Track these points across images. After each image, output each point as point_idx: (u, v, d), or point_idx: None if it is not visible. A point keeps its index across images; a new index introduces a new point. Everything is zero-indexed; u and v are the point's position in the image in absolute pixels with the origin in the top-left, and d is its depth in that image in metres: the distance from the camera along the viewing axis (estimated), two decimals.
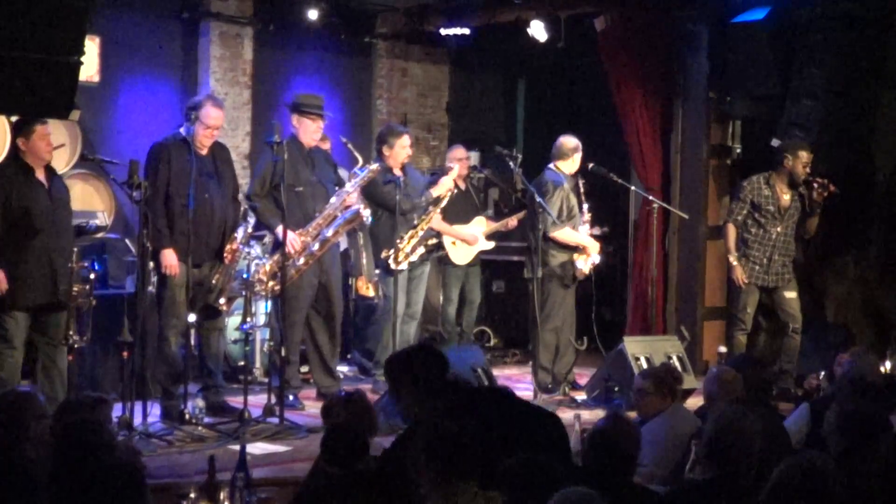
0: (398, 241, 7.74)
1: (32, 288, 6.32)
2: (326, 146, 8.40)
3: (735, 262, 8.08)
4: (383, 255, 7.89)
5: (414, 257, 7.86)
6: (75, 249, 6.25)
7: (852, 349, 6.33)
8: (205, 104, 6.91)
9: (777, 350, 8.32)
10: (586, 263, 7.93)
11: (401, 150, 8.00)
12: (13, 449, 4.11)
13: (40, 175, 6.43)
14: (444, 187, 8.09)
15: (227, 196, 7.00)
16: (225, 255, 6.93)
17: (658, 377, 5.59)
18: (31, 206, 6.32)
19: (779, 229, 8.06)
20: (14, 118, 6.63)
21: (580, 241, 7.91)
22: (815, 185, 7.96)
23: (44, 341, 6.46)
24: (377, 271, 8.19)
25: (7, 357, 6.33)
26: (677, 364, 7.54)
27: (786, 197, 8.06)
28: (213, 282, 6.92)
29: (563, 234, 7.82)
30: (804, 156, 7.97)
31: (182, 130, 6.93)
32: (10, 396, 4.44)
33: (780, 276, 8.09)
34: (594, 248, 7.95)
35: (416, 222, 7.95)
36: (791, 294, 8.13)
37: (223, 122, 7.09)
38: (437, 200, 8.13)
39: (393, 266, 7.75)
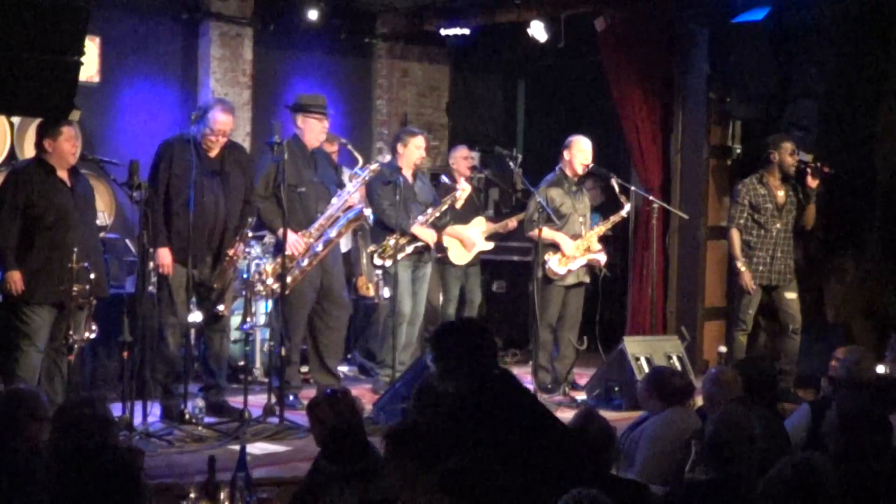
0: (388, 237, 7.79)
1: (54, 285, 6.37)
2: (334, 149, 8.44)
3: (744, 269, 8.04)
4: (370, 249, 7.93)
5: (400, 255, 7.87)
6: (75, 249, 6.26)
7: (847, 348, 6.31)
8: (213, 108, 6.88)
9: (777, 350, 8.32)
10: (559, 263, 7.94)
11: (415, 149, 8.04)
12: (10, 447, 4.11)
13: (63, 175, 6.50)
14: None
15: (233, 198, 6.96)
16: (224, 258, 6.92)
17: (655, 379, 5.59)
18: (53, 205, 6.39)
19: (778, 226, 8.05)
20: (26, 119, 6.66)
21: (555, 240, 7.94)
22: (809, 169, 7.96)
23: (50, 346, 6.49)
24: (378, 272, 8.19)
25: (28, 354, 6.36)
26: (677, 364, 7.55)
27: (780, 193, 8.06)
28: (214, 285, 6.92)
29: (534, 234, 7.92)
30: (788, 146, 7.97)
31: (192, 129, 6.92)
32: (10, 394, 4.45)
33: (782, 274, 8.08)
34: (568, 247, 7.96)
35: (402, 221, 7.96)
36: (791, 295, 8.12)
37: (231, 126, 7.02)
38: (438, 204, 8.15)
39: (379, 262, 7.81)
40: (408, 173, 8.04)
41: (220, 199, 6.88)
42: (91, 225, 6.68)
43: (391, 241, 7.80)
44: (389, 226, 7.83)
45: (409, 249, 7.92)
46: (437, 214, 8.19)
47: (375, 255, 7.92)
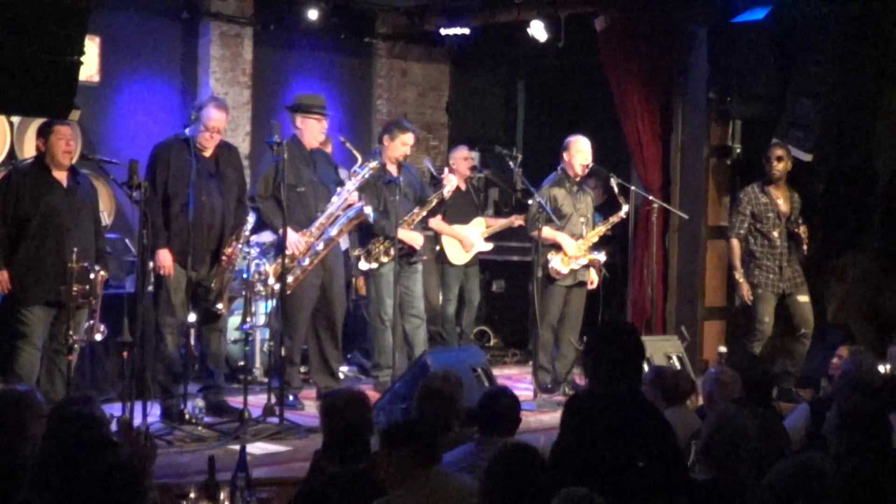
0: (372, 243, 7.79)
1: (47, 285, 6.40)
2: (328, 148, 8.43)
3: (741, 280, 8.02)
4: (355, 252, 7.93)
5: (386, 258, 7.85)
6: (75, 249, 6.26)
7: (850, 347, 6.31)
8: (207, 105, 6.93)
9: (780, 351, 8.30)
10: (562, 263, 7.95)
11: (401, 145, 7.98)
12: (12, 449, 4.11)
13: (59, 175, 6.51)
14: (411, 241, 8.00)
15: (228, 198, 6.98)
16: (222, 258, 6.93)
17: (659, 378, 5.59)
18: (42, 206, 6.40)
19: (776, 233, 8.03)
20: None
21: (556, 239, 7.95)
22: (796, 230, 8.00)
23: (50, 345, 6.51)
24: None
25: (25, 353, 6.40)
26: (677, 364, 7.54)
27: (781, 201, 8.05)
28: (212, 285, 6.92)
29: (536, 234, 7.92)
30: (774, 151, 7.99)
31: (187, 131, 6.94)
32: (9, 396, 4.45)
33: (792, 280, 8.06)
34: (569, 246, 7.97)
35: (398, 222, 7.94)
36: (804, 298, 8.09)
37: (225, 124, 7.06)
38: (425, 203, 8.13)
39: (364, 266, 7.81)
40: (391, 168, 7.98)
41: (217, 200, 6.90)
42: (87, 225, 6.65)
43: (377, 245, 7.81)
44: (375, 232, 7.82)
45: (394, 251, 7.89)
46: (424, 213, 8.17)
47: (361, 259, 7.91)
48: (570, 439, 3.97)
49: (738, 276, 8.04)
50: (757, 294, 8.01)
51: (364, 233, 7.95)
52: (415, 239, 8.03)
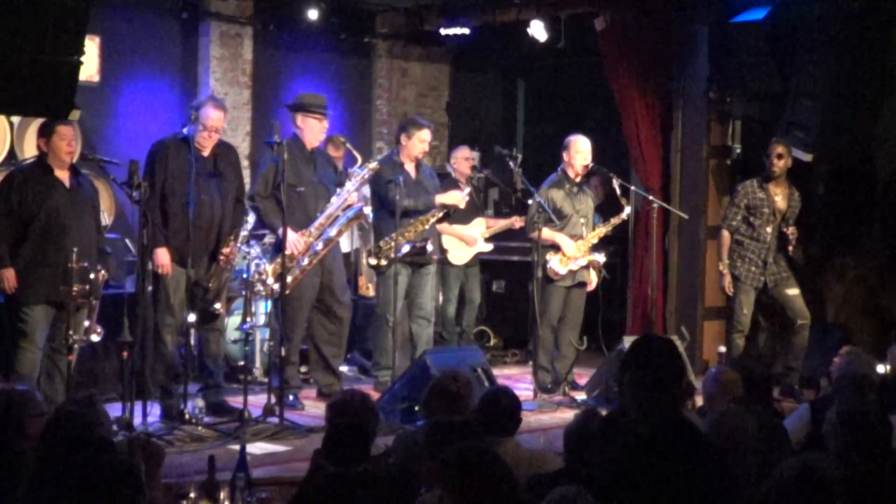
0: (384, 240, 7.80)
1: (49, 284, 6.40)
2: (340, 154, 8.45)
3: (725, 271, 8.06)
4: (367, 248, 7.94)
5: (393, 255, 7.86)
6: (75, 249, 6.27)
7: (848, 349, 6.30)
8: (205, 105, 6.92)
9: (778, 350, 8.30)
10: (561, 264, 7.95)
11: (418, 142, 8.00)
12: (11, 449, 4.11)
13: (61, 175, 6.52)
14: (453, 200, 8.07)
15: (227, 198, 6.99)
16: (219, 258, 6.93)
17: None
18: (45, 206, 6.41)
19: (769, 229, 8.04)
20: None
21: (555, 240, 7.95)
22: (787, 232, 8.01)
23: (50, 345, 6.52)
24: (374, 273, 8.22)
25: (26, 352, 6.40)
26: None
27: (778, 198, 8.05)
28: (210, 285, 6.92)
29: (535, 234, 7.91)
30: (774, 148, 7.98)
31: (185, 130, 6.93)
32: (7, 395, 4.45)
33: (777, 274, 8.07)
34: (568, 247, 7.97)
35: (411, 221, 7.93)
36: (793, 291, 8.10)
37: (223, 123, 7.07)
38: (441, 208, 8.13)
39: (373, 262, 7.86)
40: (409, 167, 8.01)
41: (215, 199, 6.91)
42: (89, 225, 6.67)
43: (387, 243, 7.81)
44: (407, 209, 7.76)
45: (406, 249, 7.86)
46: (440, 215, 8.16)
47: (370, 256, 7.93)
48: (605, 464, 3.74)
49: (723, 267, 8.09)
50: (737, 286, 8.05)
51: (377, 232, 7.96)
52: (456, 198, 8.05)
